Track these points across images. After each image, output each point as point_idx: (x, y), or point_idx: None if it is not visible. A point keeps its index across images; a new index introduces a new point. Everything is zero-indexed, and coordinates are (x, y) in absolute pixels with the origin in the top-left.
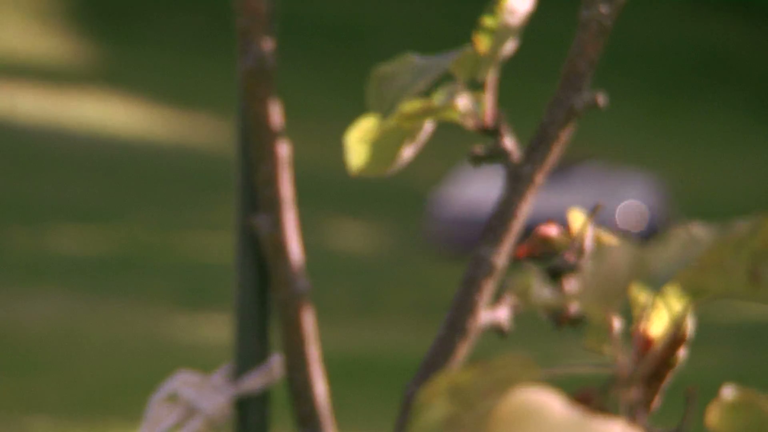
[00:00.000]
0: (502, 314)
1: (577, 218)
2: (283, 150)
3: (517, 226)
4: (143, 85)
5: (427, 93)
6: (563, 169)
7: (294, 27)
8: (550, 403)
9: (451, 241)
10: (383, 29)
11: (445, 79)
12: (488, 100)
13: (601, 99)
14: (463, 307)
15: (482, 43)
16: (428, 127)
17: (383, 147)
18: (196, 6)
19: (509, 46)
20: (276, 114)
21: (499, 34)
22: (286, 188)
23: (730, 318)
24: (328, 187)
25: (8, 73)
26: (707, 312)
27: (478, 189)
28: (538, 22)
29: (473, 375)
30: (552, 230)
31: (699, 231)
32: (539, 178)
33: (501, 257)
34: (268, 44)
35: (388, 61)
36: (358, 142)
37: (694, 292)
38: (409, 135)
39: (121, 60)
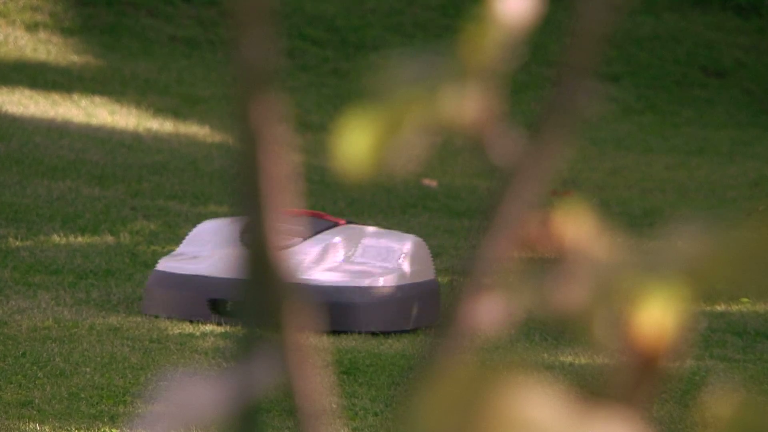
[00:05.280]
0: (496, 316)
1: (565, 220)
2: (281, 157)
3: (505, 229)
4: (138, 94)
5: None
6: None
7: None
8: (539, 409)
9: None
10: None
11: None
12: (477, 96)
13: (600, 97)
14: (455, 311)
15: (472, 46)
16: (425, 130)
17: (373, 147)
18: (187, 15)
19: (506, 54)
20: (274, 118)
21: (493, 41)
22: (289, 197)
23: (733, 318)
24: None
25: (2, 78)
26: (711, 313)
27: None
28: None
29: (468, 379)
30: (542, 233)
31: (698, 228)
32: (527, 182)
33: (491, 261)
34: (267, 39)
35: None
36: (348, 143)
37: (693, 288)
38: (400, 133)
39: (116, 68)
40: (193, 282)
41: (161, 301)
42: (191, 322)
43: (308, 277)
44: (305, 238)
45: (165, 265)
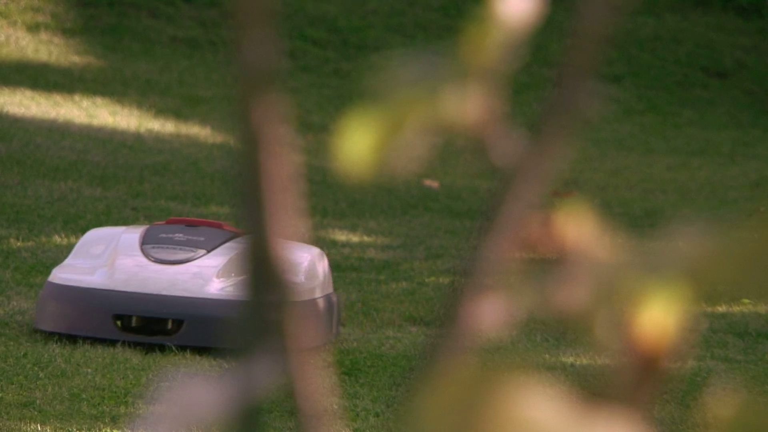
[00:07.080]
0: (497, 317)
1: (566, 221)
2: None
3: (506, 229)
4: (139, 95)
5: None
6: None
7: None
8: (541, 410)
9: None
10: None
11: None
12: (478, 96)
13: (603, 98)
14: (457, 312)
15: (473, 46)
16: (427, 131)
17: (374, 148)
18: (188, 16)
19: (507, 54)
20: (275, 119)
21: (495, 41)
22: (290, 197)
23: (734, 319)
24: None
25: (3, 79)
26: (712, 314)
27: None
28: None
29: (469, 379)
30: (543, 233)
31: (699, 228)
32: (528, 183)
33: (493, 262)
34: (268, 40)
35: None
36: (349, 144)
37: (694, 289)
38: (401, 134)
39: (117, 69)
40: (96, 296)
41: (59, 317)
42: (95, 339)
43: (213, 291)
44: (209, 251)
45: (60, 277)
